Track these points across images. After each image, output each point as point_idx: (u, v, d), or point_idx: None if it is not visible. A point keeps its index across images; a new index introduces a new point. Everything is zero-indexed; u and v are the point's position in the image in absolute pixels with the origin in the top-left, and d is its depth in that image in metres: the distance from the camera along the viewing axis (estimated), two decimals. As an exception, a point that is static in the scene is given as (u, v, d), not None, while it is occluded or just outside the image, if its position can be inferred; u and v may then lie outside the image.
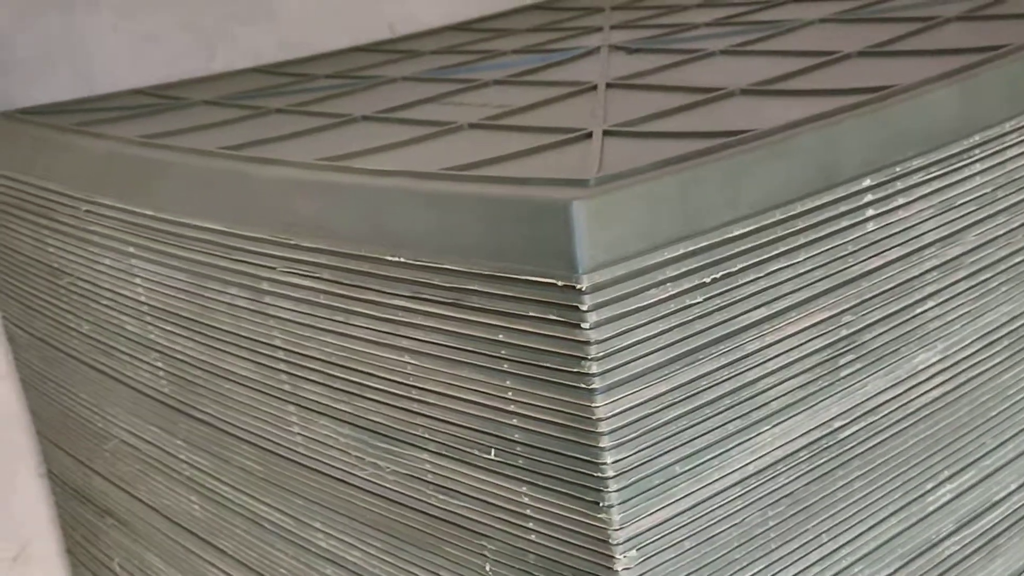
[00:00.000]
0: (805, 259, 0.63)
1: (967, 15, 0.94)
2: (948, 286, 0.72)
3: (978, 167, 0.72)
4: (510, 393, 0.60)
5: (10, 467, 1.26)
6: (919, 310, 0.70)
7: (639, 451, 0.58)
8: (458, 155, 0.71)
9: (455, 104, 0.94)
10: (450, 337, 0.62)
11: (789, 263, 0.62)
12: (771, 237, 0.61)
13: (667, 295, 0.58)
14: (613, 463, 0.57)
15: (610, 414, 0.57)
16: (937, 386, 0.72)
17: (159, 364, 0.92)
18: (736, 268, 0.60)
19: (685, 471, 0.60)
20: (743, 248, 0.60)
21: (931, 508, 0.74)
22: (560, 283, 0.55)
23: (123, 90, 1.22)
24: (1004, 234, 0.74)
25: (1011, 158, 0.74)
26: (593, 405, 0.56)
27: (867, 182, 0.65)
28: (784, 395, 0.64)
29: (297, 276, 0.72)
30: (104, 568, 1.17)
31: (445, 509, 0.68)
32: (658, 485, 0.59)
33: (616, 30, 1.20)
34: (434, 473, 0.68)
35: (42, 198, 1.00)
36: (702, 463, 0.61)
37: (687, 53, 0.99)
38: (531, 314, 0.57)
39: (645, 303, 0.57)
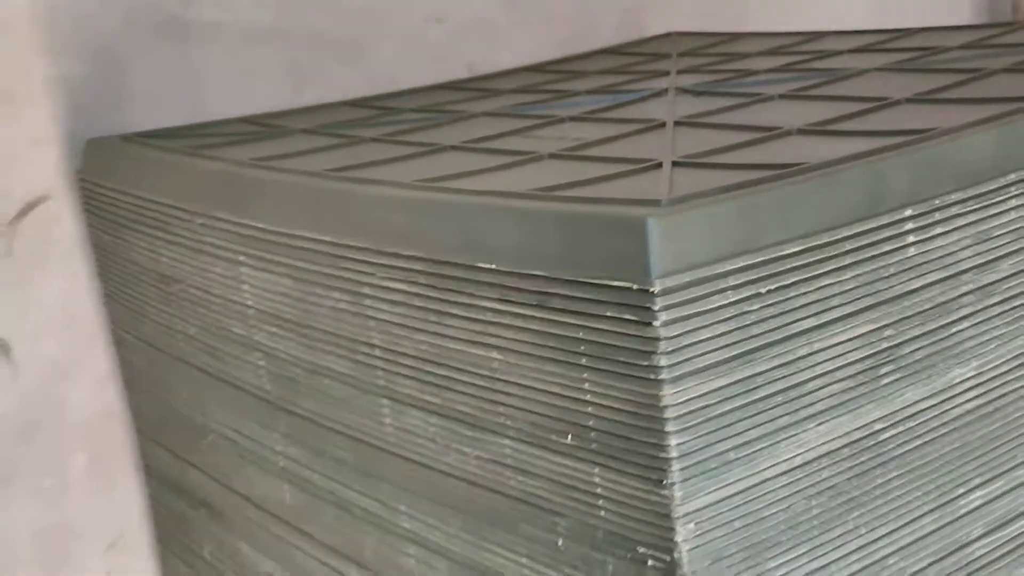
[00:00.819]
0: (851, 277, 0.71)
1: (1012, 67, 1.02)
2: (983, 309, 0.79)
3: (1014, 203, 0.79)
4: (586, 384, 0.69)
5: (110, 462, 1.36)
6: (955, 329, 0.78)
7: (699, 437, 0.66)
8: (540, 179, 0.80)
9: (534, 137, 1.03)
10: (534, 335, 0.71)
11: (836, 280, 0.71)
12: (820, 256, 0.70)
13: (727, 302, 0.66)
14: (676, 445, 0.65)
15: (675, 402, 0.65)
16: (971, 399, 0.80)
17: (262, 364, 1.01)
18: (789, 282, 0.68)
19: (739, 458, 0.68)
20: (795, 265, 0.69)
21: (962, 511, 0.81)
22: (635, 287, 0.64)
23: (229, 118, 1.33)
24: (1036, 265, 0.82)
25: (1046, 195, 0.81)
26: (661, 394, 0.65)
27: (908, 212, 0.73)
28: (829, 397, 0.72)
29: (394, 281, 0.81)
30: (195, 556, 1.27)
31: (522, 490, 0.76)
32: (714, 468, 0.67)
33: (683, 74, 1.29)
34: (514, 457, 0.76)
35: (159, 212, 1.10)
36: (754, 452, 0.69)
37: (748, 96, 1.08)
38: (608, 314, 0.66)
39: (708, 307, 0.66)
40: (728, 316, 0.66)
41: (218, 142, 1.17)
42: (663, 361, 0.64)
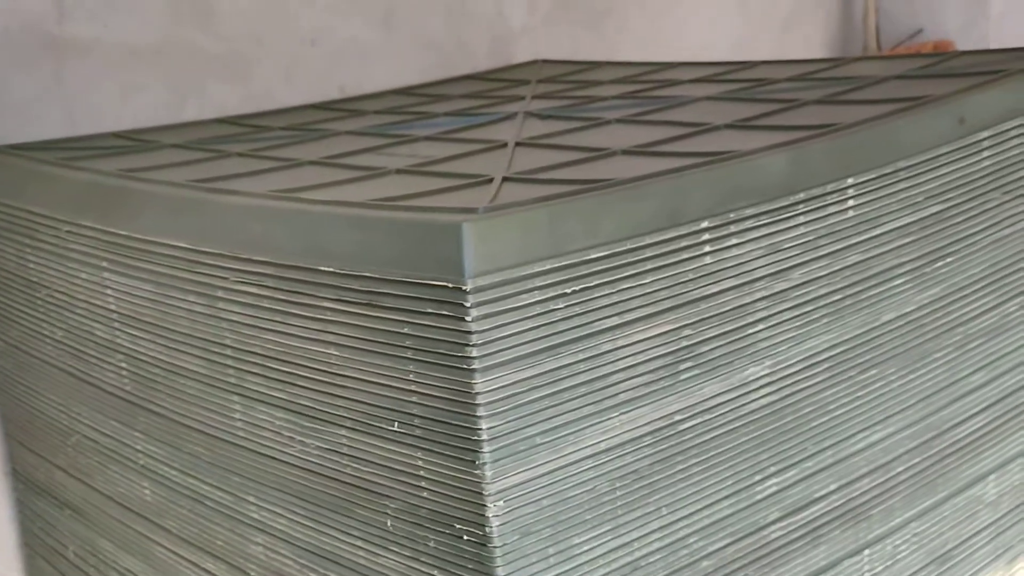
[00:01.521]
0: (651, 281, 0.80)
1: (824, 99, 1.13)
2: (776, 313, 0.88)
3: (802, 219, 0.89)
4: (411, 376, 0.76)
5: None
6: (750, 331, 0.87)
7: (508, 422, 0.74)
8: (382, 191, 0.88)
9: (388, 154, 1.10)
10: (366, 331, 0.78)
11: (638, 283, 0.79)
12: (622, 262, 0.78)
13: (534, 300, 0.74)
14: (487, 429, 0.73)
15: (486, 390, 0.73)
16: (765, 395, 0.89)
17: (123, 365, 1.07)
18: (593, 284, 0.77)
19: (545, 442, 0.76)
20: (599, 269, 0.77)
21: (758, 497, 0.90)
22: (451, 285, 0.71)
23: (103, 132, 1.37)
24: (826, 275, 0.92)
25: (832, 213, 0.91)
26: (473, 382, 0.72)
27: (705, 224, 0.82)
28: (632, 389, 0.80)
29: (245, 284, 0.88)
30: (59, 557, 1.31)
31: (357, 476, 0.83)
32: (523, 451, 0.75)
33: (537, 99, 1.38)
34: (349, 446, 0.83)
35: (27, 221, 1.15)
36: (560, 437, 0.77)
37: (588, 120, 1.17)
38: (429, 311, 0.73)
39: (517, 305, 0.73)
40: (536, 313, 0.74)
41: (87, 155, 1.22)
42: (475, 352, 0.72)
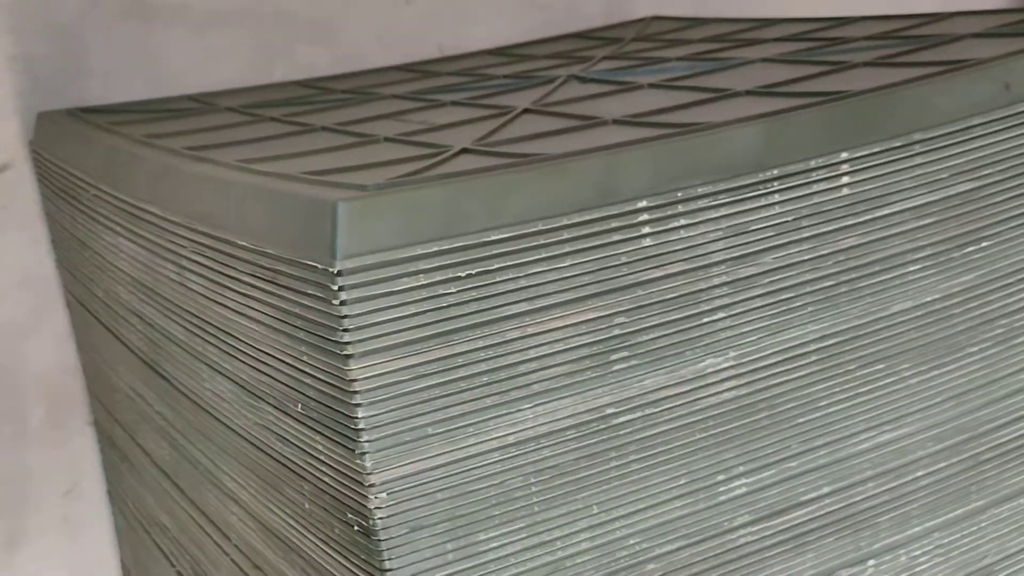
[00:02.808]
0: (570, 265, 0.74)
1: (876, 60, 1.02)
2: (741, 301, 0.81)
3: (777, 197, 0.80)
4: (305, 357, 0.73)
5: (67, 415, 1.46)
6: (707, 319, 0.80)
7: (390, 411, 0.70)
8: (343, 162, 0.85)
9: (401, 120, 1.07)
10: (272, 308, 0.76)
11: (552, 267, 0.73)
12: (531, 244, 0.72)
13: (419, 284, 0.70)
14: (364, 418, 0.70)
15: (363, 376, 0.69)
16: (729, 389, 0.81)
17: (139, 327, 1.08)
18: (493, 267, 0.71)
19: (439, 433, 0.72)
20: (502, 251, 0.72)
21: (722, 498, 0.83)
22: (320, 266, 0.68)
23: (179, 95, 1.40)
24: (810, 259, 0.83)
25: (818, 192, 0.82)
26: (348, 368, 0.69)
27: (643, 203, 0.76)
28: (547, 380, 0.75)
29: (197, 254, 0.87)
30: (126, 507, 1.36)
31: (282, 455, 0.81)
32: (410, 442, 0.71)
33: (607, 60, 1.32)
34: (274, 423, 0.81)
35: (74, 183, 1.18)
36: (457, 428, 0.72)
37: (624, 85, 1.10)
38: (308, 292, 0.70)
39: (397, 288, 0.69)
40: (420, 298, 0.70)
41: (144, 118, 1.24)
42: (347, 337, 0.68)
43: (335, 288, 0.68)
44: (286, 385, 0.77)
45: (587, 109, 0.99)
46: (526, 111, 1.02)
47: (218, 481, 0.97)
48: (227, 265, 0.82)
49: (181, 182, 0.90)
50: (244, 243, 0.78)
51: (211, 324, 0.88)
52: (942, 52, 1.02)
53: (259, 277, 0.77)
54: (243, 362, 0.83)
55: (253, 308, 0.79)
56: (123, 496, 1.36)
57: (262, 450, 0.85)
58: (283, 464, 0.82)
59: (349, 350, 0.68)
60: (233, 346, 0.85)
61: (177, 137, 1.09)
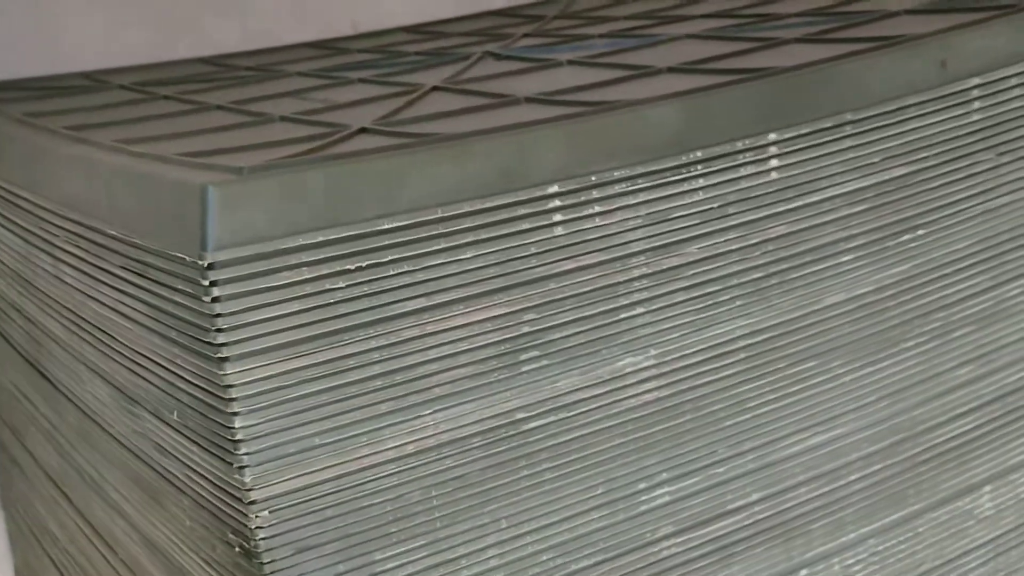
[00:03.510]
0: (473, 256, 0.67)
1: (806, 37, 0.96)
2: (663, 295, 0.74)
3: (702, 182, 0.74)
4: (179, 360, 0.66)
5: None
6: (625, 315, 0.73)
7: (272, 420, 0.63)
8: (225, 142, 0.77)
9: (303, 99, 1.00)
10: (144, 305, 0.68)
11: (453, 259, 0.66)
12: (430, 233, 0.65)
13: (302, 278, 0.62)
14: (242, 428, 0.62)
15: (240, 382, 0.62)
16: (650, 391, 0.75)
17: (20, 324, 1.00)
18: (387, 259, 0.64)
19: (327, 443, 0.65)
20: (396, 241, 0.65)
21: (643, 507, 0.76)
22: (188, 259, 0.61)
23: (71, 72, 1.31)
24: (738, 249, 0.77)
25: (745, 176, 0.76)
26: (223, 373, 0.61)
27: (554, 188, 0.69)
28: (451, 383, 0.68)
29: (71, 244, 0.79)
30: (18, 512, 1.27)
31: (161, 466, 0.74)
32: (295, 454, 0.64)
33: (527, 37, 1.25)
34: (153, 432, 0.74)
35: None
36: (348, 438, 0.65)
37: (540, 62, 1.03)
38: (179, 287, 0.63)
39: (278, 283, 0.62)
40: (304, 294, 0.63)
41: (27, 95, 1.15)
42: (221, 339, 0.61)
43: (206, 283, 0.60)
44: (162, 390, 0.70)
45: (500, 87, 0.92)
46: (435, 89, 0.95)
47: (103, 492, 0.90)
48: (99, 257, 0.74)
49: (53, 165, 0.81)
50: (113, 232, 0.70)
51: (87, 321, 0.80)
52: (875, 28, 0.96)
53: (130, 270, 0.69)
54: (120, 364, 0.76)
55: (126, 304, 0.72)
56: (14, 501, 1.28)
57: (143, 460, 0.78)
58: (163, 476, 0.74)
59: (223, 352, 0.61)
60: (109, 346, 0.77)
61: (58, 116, 1.00)
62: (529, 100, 0.84)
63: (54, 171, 0.81)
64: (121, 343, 0.74)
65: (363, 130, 0.78)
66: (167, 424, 0.70)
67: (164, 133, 0.85)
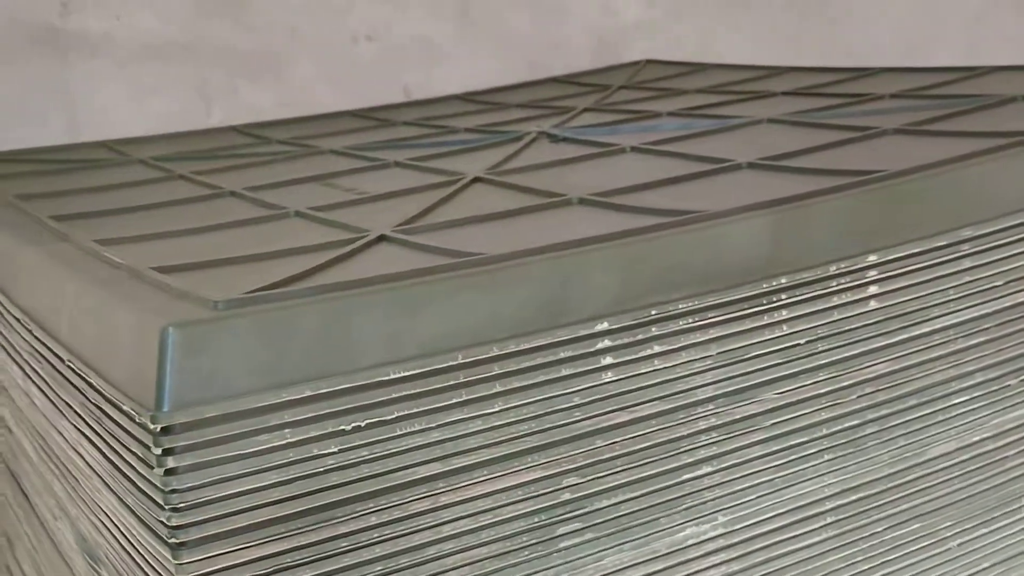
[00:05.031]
0: (502, 410, 0.54)
1: (907, 127, 0.83)
2: (736, 450, 0.61)
3: (785, 314, 0.61)
4: (135, 533, 0.53)
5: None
6: (688, 476, 0.60)
7: (240, 624, 0.50)
8: (222, 248, 0.66)
9: (328, 185, 0.88)
10: (102, 458, 0.56)
11: (476, 413, 0.54)
12: (449, 383, 0.53)
13: (285, 442, 0.50)
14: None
15: (197, 573, 0.49)
16: (717, 564, 0.62)
17: (3, 433, 0.89)
18: (392, 416, 0.52)
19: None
20: (404, 394, 0.52)
21: None
22: (138, 418, 0.48)
23: (92, 141, 1.21)
24: (828, 393, 0.63)
25: (838, 305, 0.62)
26: (178, 563, 0.49)
27: (604, 325, 0.56)
28: (469, 565, 0.55)
29: (38, 363, 0.67)
30: None
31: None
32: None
33: (589, 112, 1.13)
34: (115, 599, 0.61)
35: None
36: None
37: (599, 147, 0.91)
38: (133, 450, 0.51)
39: (253, 449, 0.49)
40: (288, 461, 0.50)
41: (32, 170, 1.05)
42: (176, 521, 0.48)
43: (158, 452, 0.48)
44: (120, 559, 0.57)
45: (551, 180, 0.80)
46: (477, 180, 0.82)
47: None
48: (60, 385, 0.62)
49: (21, 268, 0.70)
50: (71, 363, 0.58)
51: (54, 454, 0.69)
52: (990, 119, 0.82)
53: (89, 413, 0.57)
54: (82, 512, 0.64)
55: (85, 450, 0.59)
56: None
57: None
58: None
59: (178, 537, 0.49)
60: (74, 488, 0.65)
61: (53, 200, 0.89)
62: (583, 202, 0.72)
63: (22, 275, 0.70)
64: (84, 489, 0.62)
65: (382, 238, 0.66)
66: (122, 596, 0.58)
67: (158, 231, 0.73)
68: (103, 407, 0.53)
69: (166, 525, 0.48)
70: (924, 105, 0.93)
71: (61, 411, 0.62)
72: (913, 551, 0.68)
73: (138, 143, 1.18)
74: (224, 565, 0.49)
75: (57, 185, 0.96)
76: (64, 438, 0.63)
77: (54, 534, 0.75)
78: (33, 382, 0.69)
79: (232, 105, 1.35)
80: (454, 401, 0.53)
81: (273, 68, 1.37)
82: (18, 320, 0.69)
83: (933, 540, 0.69)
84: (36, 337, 0.65)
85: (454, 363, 0.53)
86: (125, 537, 0.55)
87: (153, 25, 1.30)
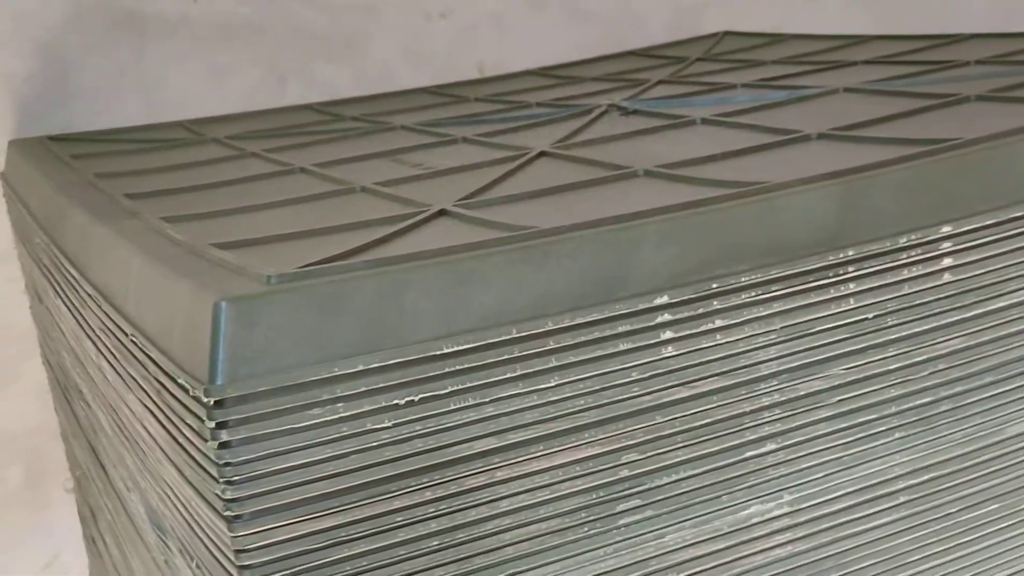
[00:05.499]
0: (558, 384, 0.53)
1: (990, 94, 0.80)
2: (801, 427, 0.59)
3: (853, 287, 0.59)
4: (194, 505, 0.54)
5: (48, 477, 1.29)
6: (752, 453, 0.59)
7: (296, 595, 0.50)
8: (287, 223, 0.66)
9: (396, 161, 0.88)
10: (163, 431, 0.57)
11: (532, 388, 0.53)
12: (504, 357, 0.52)
13: (337, 417, 0.50)
14: (258, 610, 0.50)
15: (255, 546, 0.49)
16: (783, 544, 0.60)
17: (83, 405, 0.91)
18: (446, 390, 0.51)
19: (368, 622, 0.52)
20: (459, 368, 0.51)
21: None
22: (192, 391, 0.49)
23: (170, 121, 1.23)
24: (898, 369, 0.61)
25: (909, 278, 0.60)
26: (233, 535, 0.49)
27: (664, 299, 0.55)
28: (526, 542, 0.54)
29: (108, 338, 0.68)
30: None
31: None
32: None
33: (661, 85, 1.11)
34: (183, 573, 0.62)
35: (27, 226, 1.01)
36: (399, 612, 0.52)
37: (670, 119, 0.89)
38: (189, 423, 0.51)
39: (306, 423, 0.49)
40: (341, 435, 0.50)
41: (111, 150, 1.07)
42: (230, 494, 0.49)
43: (212, 425, 0.48)
44: (184, 531, 0.58)
45: (618, 152, 0.79)
46: (542, 154, 0.81)
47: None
48: (128, 361, 0.63)
49: (94, 244, 0.71)
50: (135, 338, 0.58)
51: (125, 428, 0.70)
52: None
53: (151, 387, 0.58)
54: (150, 485, 0.65)
55: (149, 424, 0.60)
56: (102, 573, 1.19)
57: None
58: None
59: (233, 510, 0.49)
60: (142, 461, 0.66)
61: (128, 178, 0.91)
62: (648, 174, 0.71)
63: (94, 252, 0.70)
64: (150, 462, 0.63)
65: (442, 212, 0.66)
66: (191, 570, 0.59)
67: (225, 208, 0.74)
68: (163, 381, 0.54)
69: (221, 498, 0.49)
70: (1011, 71, 0.90)
71: (128, 385, 0.63)
72: (987, 533, 0.66)
73: (214, 122, 1.20)
74: (280, 538, 0.50)
75: (134, 164, 0.97)
76: (131, 412, 0.64)
77: (128, 506, 0.77)
78: (104, 357, 0.70)
79: (307, 84, 1.36)
80: (509, 376, 0.52)
81: (348, 46, 1.37)
82: (90, 296, 0.70)
83: (1009, 522, 0.67)
84: (105, 313, 0.66)
85: (508, 337, 0.52)
86: (186, 509, 0.56)
87: (229, 5, 1.31)
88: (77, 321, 0.79)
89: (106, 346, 0.69)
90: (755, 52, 1.27)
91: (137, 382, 0.61)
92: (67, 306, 0.83)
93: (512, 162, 0.79)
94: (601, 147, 0.82)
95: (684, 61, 1.27)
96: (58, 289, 0.87)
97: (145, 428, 0.61)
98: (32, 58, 1.23)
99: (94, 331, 0.73)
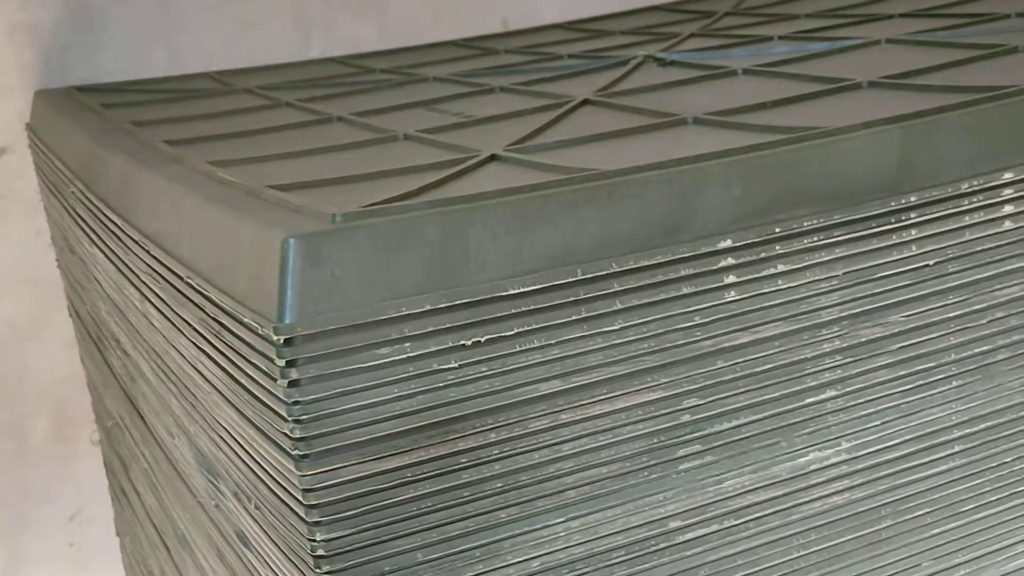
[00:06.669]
0: (622, 328, 0.53)
1: (1040, 43, 0.79)
2: (861, 374, 0.59)
3: (914, 233, 0.59)
4: (256, 444, 0.54)
5: (74, 429, 1.29)
6: (812, 399, 0.58)
7: (364, 531, 0.50)
8: (334, 168, 0.66)
9: (435, 110, 0.87)
10: (222, 373, 0.57)
11: (595, 331, 0.53)
12: (568, 299, 0.52)
13: (405, 356, 0.49)
14: (326, 541, 0.50)
15: (322, 485, 0.49)
16: (840, 491, 0.60)
17: (119, 354, 0.90)
18: (512, 332, 0.51)
19: (432, 559, 0.52)
20: (524, 309, 0.51)
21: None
22: (261, 330, 0.48)
23: (196, 72, 1.22)
24: (957, 317, 0.61)
25: (971, 225, 0.60)
26: (300, 474, 0.49)
27: (727, 242, 0.54)
28: (587, 485, 0.54)
29: (155, 283, 0.68)
30: (126, 543, 1.18)
31: (243, 557, 0.62)
32: (392, 572, 0.51)
33: (694, 37, 1.10)
34: (234, 515, 0.62)
35: (59, 176, 1.00)
36: (459, 552, 0.52)
37: (709, 70, 0.88)
38: (254, 362, 0.51)
39: (373, 363, 0.49)
40: (408, 375, 0.50)
41: (142, 99, 1.06)
42: (299, 432, 0.48)
43: (281, 363, 0.48)
44: (241, 473, 0.58)
45: (663, 101, 0.78)
46: (586, 102, 0.81)
47: (194, 555, 0.79)
48: (180, 303, 0.62)
49: (139, 190, 0.71)
50: (191, 280, 0.58)
51: (172, 372, 0.69)
52: None
53: (207, 328, 0.57)
54: (201, 428, 0.64)
55: (204, 366, 0.60)
56: (123, 531, 1.19)
57: (226, 540, 0.66)
58: (245, 567, 0.63)
59: (302, 449, 0.49)
60: (192, 405, 0.66)
61: (165, 126, 0.90)
62: (698, 121, 0.70)
63: (140, 198, 0.70)
64: (203, 406, 0.63)
65: (493, 157, 0.65)
66: (247, 511, 0.59)
67: (271, 153, 0.73)
68: (224, 321, 0.53)
69: (289, 437, 0.48)
70: (1055, 23, 0.89)
71: (180, 329, 0.63)
72: (1047, 481, 0.66)
73: (241, 74, 1.19)
74: (346, 478, 0.49)
75: (167, 113, 0.96)
76: (183, 355, 0.64)
77: (171, 452, 0.77)
78: (151, 303, 0.70)
79: (330, 38, 1.34)
80: (573, 318, 0.52)
81: (372, 1, 1.36)
82: (136, 242, 0.70)
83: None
84: (155, 257, 0.65)
85: (573, 279, 0.52)
86: (245, 451, 0.55)
87: (254, -43, 1.30)
88: (118, 268, 0.79)
89: (153, 291, 0.68)
90: (785, 6, 1.26)
91: (191, 325, 0.60)
92: (105, 254, 0.83)
93: (556, 109, 0.79)
94: (644, 96, 0.81)
95: (713, 15, 1.26)
96: (94, 238, 0.86)
97: (199, 372, 0.61)
98: (58, 8, 1.22)
99: (138, 276, 0.72)
